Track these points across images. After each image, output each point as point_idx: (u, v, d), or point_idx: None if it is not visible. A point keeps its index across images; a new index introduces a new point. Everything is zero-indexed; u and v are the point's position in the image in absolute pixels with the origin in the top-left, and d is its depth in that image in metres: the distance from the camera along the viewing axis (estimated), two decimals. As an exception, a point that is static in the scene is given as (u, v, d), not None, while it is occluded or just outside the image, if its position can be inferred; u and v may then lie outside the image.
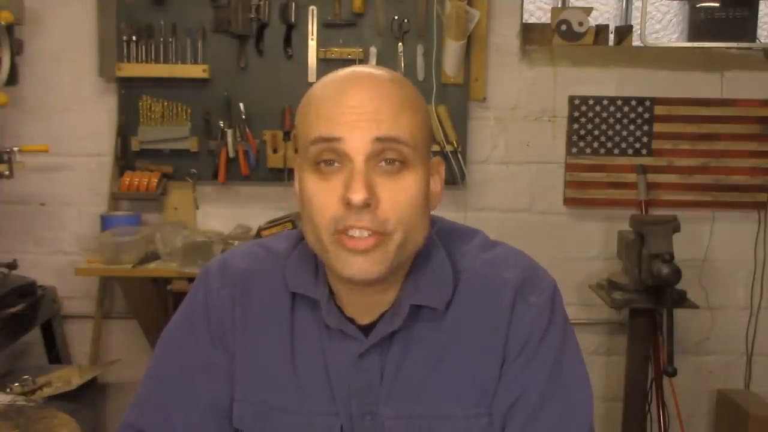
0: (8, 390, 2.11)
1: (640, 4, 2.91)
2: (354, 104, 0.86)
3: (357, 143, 0.85)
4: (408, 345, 0.95)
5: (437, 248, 0.97)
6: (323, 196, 0.87)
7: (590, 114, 2.80)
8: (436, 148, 2.72)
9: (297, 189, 0.94)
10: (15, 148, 2.56)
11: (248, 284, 1.00)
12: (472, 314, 0.95)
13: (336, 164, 0.87)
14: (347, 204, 0.85)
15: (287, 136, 2.74)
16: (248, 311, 1.00)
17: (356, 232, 0.86)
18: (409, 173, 0.88)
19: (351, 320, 0.96)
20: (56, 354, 2.77)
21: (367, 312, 0.96)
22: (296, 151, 0.92)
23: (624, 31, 2.94)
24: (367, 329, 0.95)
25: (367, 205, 0.85)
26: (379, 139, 0.86)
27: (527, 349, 0.94)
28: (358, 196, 0.84)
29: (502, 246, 1.02)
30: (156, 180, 2.73)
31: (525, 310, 0.94)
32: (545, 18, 3.16)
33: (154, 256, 2.60)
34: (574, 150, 2.82)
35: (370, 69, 0.92)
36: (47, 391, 2.21)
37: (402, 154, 0.87)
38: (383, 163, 0.87)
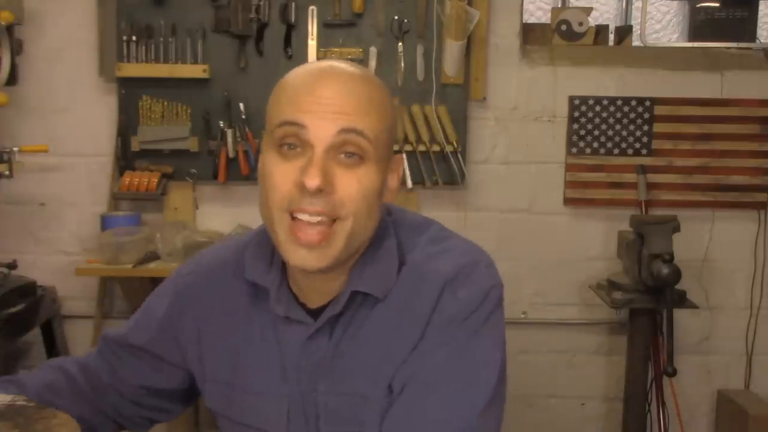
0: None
1: (640, 4, 2.91)
2: (323, 95, 0.89)
3: (320, 133, 0.88)
4: (347, 329, 0.99)
5: (389, 238, 1.00)
6: (280, 176, 0.90)
7: (590, 114, 2.80)
8: (436, 148, 2.72)
9: (260, 167, 0.96)
10: (15, 148, 2.55)
11: (215, 274, 1.08)
12: (404, 303, 0.97)
13: (298, 149, 0.90)
14: (301, 188, 0.88)
15: (287, 136, 2.74)
16: (214, 299, 1.07)
17: (306, 216, 0.89)
18: (366, 168, 0.91)
19: (304, 305, 1.00)
20: (56, 354, 2.76)
21: (320, 297, 0.99)
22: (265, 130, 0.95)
23: (624, 31, 2.94)
24: (319, 313, 0.99)
25: (321, 190, 0.88)
26: (342, 131, 0.89)
27: (439, 331, 0.95)
28: (313, 181, 0.87)
29: (454, 239, 1.03)
30: (156, 180, 2.74)
31: (450, 301, 0.95)
32: (545, 18, 3.17)
33: (154, 256, 2.60)
34: (574, 150, 2.82)
35: (346, 65, 0.95)
36: (47, 391, 2.21)
37: (362, 148, 0.90)
38: (343, 156, 0.90)
